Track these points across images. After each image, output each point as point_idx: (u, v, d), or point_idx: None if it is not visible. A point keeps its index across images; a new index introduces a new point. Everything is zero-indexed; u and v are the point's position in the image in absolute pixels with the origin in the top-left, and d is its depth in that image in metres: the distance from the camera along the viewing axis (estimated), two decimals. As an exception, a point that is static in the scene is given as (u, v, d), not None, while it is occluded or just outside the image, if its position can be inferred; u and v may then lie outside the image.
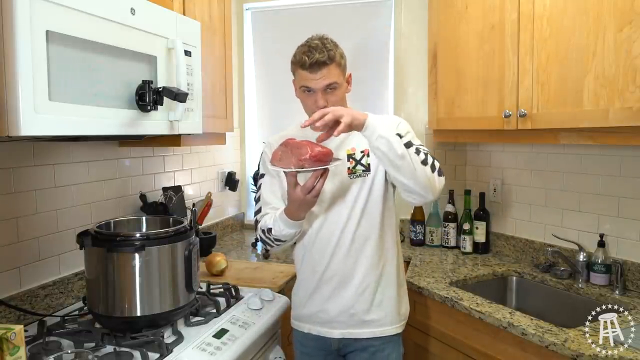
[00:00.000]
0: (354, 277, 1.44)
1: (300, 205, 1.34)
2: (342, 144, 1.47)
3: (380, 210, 1.45)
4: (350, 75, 1.49)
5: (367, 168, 1.44)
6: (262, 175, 1.56)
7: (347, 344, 1.48)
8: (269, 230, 1.43)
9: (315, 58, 1.36)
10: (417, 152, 1.29)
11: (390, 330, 1.47)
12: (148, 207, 1.96)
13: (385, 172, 1.44)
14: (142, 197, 1.97)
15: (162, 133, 1.38)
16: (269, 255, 2.25)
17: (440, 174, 1.33)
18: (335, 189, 1.45)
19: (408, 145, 1.27)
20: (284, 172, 1.31)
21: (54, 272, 1.58)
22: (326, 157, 1.26)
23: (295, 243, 1.53)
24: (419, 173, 1.27)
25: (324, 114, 1.23)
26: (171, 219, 1.59)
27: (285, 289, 1.82)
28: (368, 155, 1.44)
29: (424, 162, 1.28)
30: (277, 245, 1.47)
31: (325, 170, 1.29)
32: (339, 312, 1.45)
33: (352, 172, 1.44)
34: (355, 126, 1.25)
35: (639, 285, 1.76)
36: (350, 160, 1.45)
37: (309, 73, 1.38)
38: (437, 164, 1.33)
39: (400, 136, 1.27)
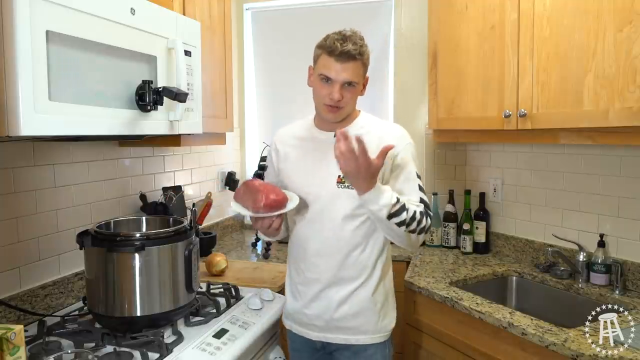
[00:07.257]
0: (333, 285, 1.42)
1: (262, 232, 1.43)
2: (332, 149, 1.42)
3: (367, 224, 1.41)
4: (367, 79, 1.44)
5: None
6: (266, 168, 1.67)
7: (328, 343, 1.47)
8: None
9: (347, 48, 1.31)
10: (411, 220, 1.32)
11: (366, 339, 1.44)
12: (148, 207, 1.96)
13: None
14: (142, 197, 1.97)
15: (162, 133, 1.38)
16: (269, 255, 2.25)
17: (424, 232, 1.38)
18: (323, 197, 1.41)
19: (401, 210, 1.30)
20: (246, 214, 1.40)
21: (54, 272, 1.58)
22: (279, 204, 1.35)
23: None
24: (404, 240, 1.36)
25: (345, 150, 1.21)
26: (171, 219, 1.59)
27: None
28: None
29: (412, 231, 1.34)
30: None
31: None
32: (316, 316, 1.45)
33: (341, 181, 1.39)
34: (355, 186, 1.29)
35: (639, 285, 1.76)
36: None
37: (335, 62, 1.33)
38: (425, 222, 1.36)
39: (398, 201, 1.30)
